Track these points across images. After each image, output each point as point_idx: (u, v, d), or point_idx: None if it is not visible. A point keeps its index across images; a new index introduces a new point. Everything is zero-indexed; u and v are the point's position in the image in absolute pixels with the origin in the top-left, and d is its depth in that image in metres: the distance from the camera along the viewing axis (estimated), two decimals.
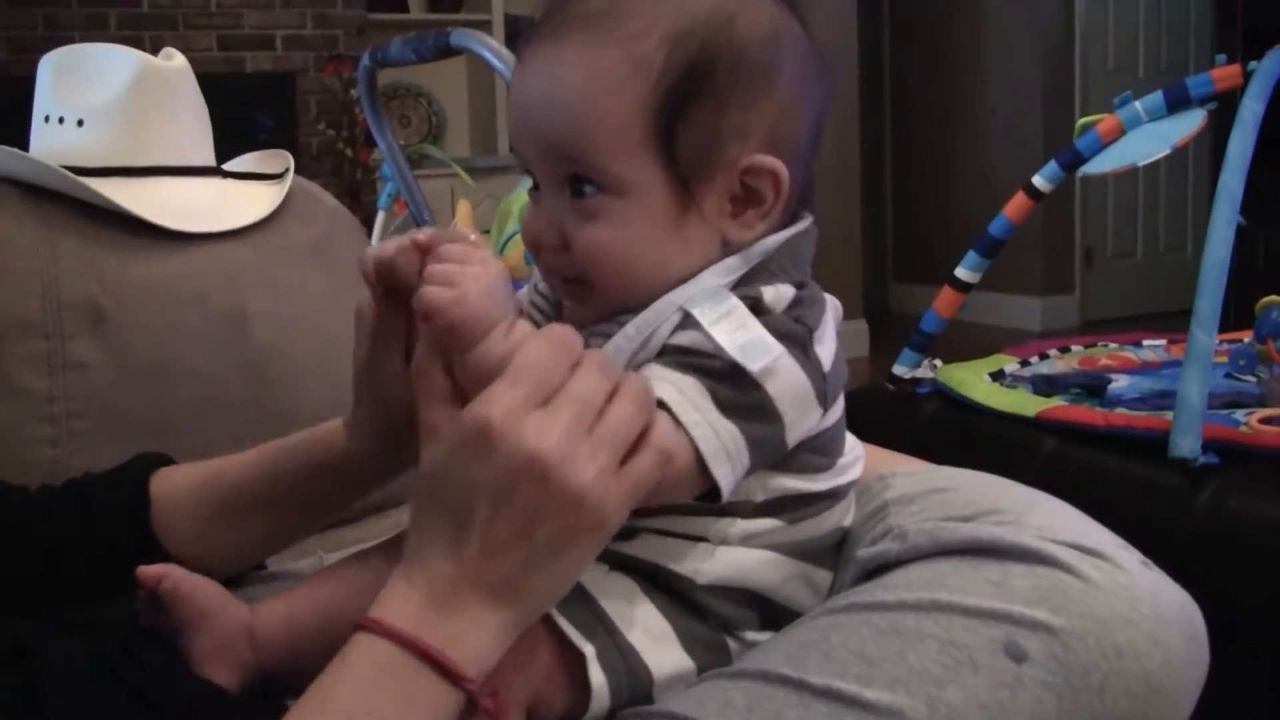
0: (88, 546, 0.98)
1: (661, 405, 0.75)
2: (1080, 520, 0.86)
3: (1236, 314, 2.42)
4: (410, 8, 6.32)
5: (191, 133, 1.53)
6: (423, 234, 0.81)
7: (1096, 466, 1.96)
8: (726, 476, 0.76)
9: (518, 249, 3.60)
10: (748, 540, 0.84)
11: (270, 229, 1.49)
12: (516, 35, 6.55)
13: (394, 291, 0.83)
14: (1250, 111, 1.97)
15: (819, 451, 0.85)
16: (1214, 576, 1.74)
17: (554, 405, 0.70)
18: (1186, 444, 1.78)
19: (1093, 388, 2.23)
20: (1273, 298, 2.11)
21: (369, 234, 3.92)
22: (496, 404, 0.69)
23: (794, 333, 0.79)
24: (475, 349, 0.73)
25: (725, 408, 0.76)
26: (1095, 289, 6.55)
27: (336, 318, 1.49)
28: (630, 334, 0.81)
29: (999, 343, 2.98)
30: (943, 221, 6.55)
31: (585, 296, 0.84)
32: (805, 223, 0.87)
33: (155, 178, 1.46)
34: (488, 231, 3.89)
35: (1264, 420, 1.98)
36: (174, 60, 1.53)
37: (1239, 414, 2.02)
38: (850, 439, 0.90)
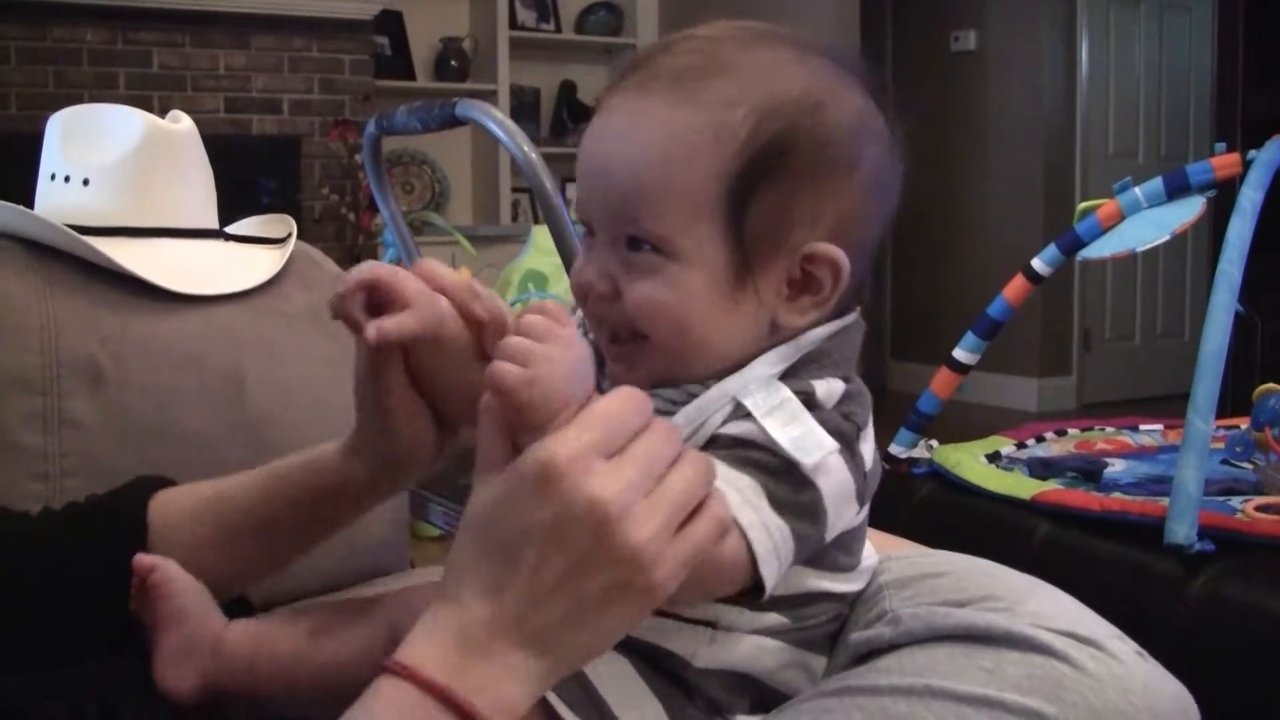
0: (86, 568, 0.97)
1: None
2: (1076, 608, 0.85)
3: (1233, 400, 2.42)
4: (417, 76, 6.37)
5: (196, 195, 1.53)
6: (363, 273, 0.81)
7: (1092, 551, 1.95)
8: (773, 576, 0.75)
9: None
10: (753, 629, 0.83)
11: (271, 294, 1.49)
12: (522, 105, 6.62)
13: (378, 310, 0.82)
14: (1249, 200, 1.99)
15: (846, 550, 0.85)
16: (1209, 666, 1.73)
17: (620, 459, 0.68)
18: (1183, 531, 1.78)
19: (1088, 472, 2.23)
20: (1270, 385, 2.12)
21: None
22: (563, 446, 0.67)
23: (844, 430, 0.79)
24: (540, 433, 0.70)
25: (779, 506, 0.75)
26: (1093, 371, 6.56)
27: (334, 385, 1.49)
28: (679, 422, 0.80)
29: (995, 423, 2.98)
30: (941, 300, 6.58)
31: (635, 357, 0.82)
32: (853, 316, 0.87)
33: (158, 239, 1.46)
34: None
35: (1260, 508, 1.97)
36: (181, 122, 1.53)
37: (1235, 501, 2.02)
38: (866, 545, 0.90)
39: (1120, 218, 2.24)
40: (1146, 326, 6.76)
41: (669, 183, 0.78)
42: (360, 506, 0.98)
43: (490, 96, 6.37)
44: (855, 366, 0.85)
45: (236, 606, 1.03)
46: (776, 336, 0.82)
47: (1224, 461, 2.23)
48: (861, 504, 0.82)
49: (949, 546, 1.28)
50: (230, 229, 1.59)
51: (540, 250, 4.17)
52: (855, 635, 0.86)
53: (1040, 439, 2.59)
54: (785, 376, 0.81)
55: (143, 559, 0.89)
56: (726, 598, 0.79)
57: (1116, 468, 2.26)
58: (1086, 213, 2.28)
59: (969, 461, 2.31)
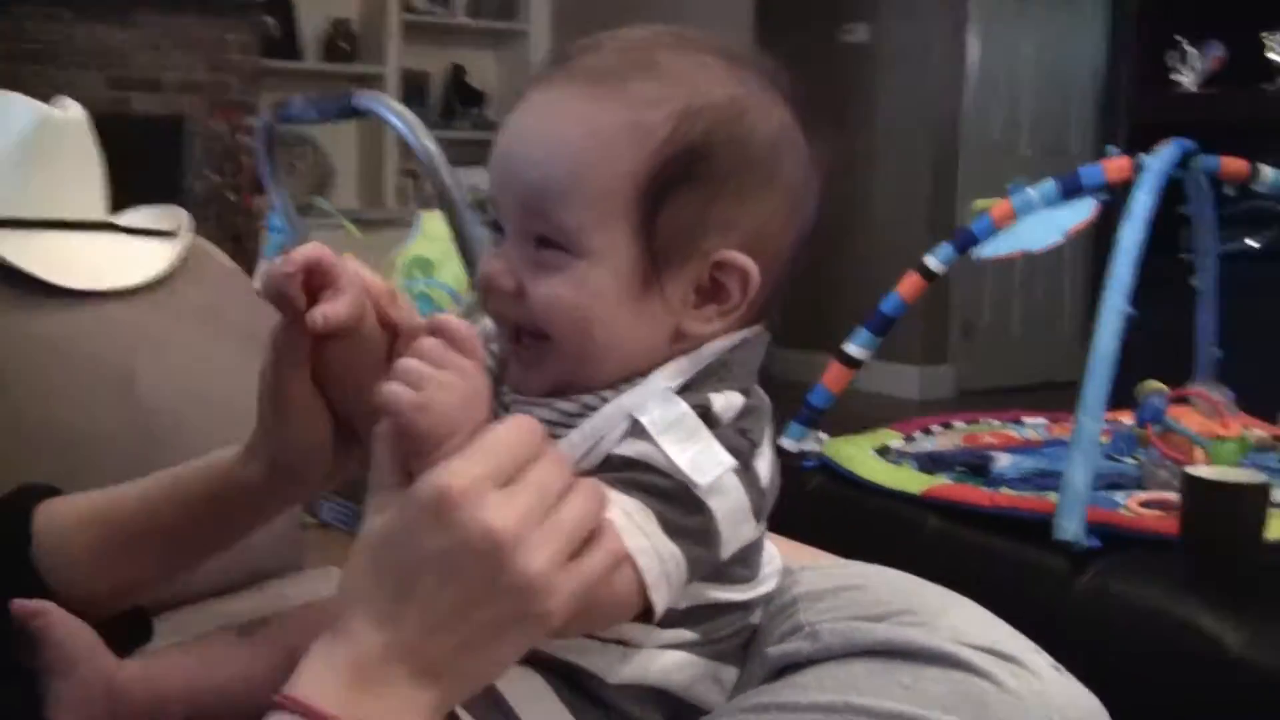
0: None
1: None
2: (993, 623, 0.86)
3: (1115, 394, 2.46)
4: (305, 57, 6.27)
5: (85, 186, 1.49)
6: (308, 252, 0.78)
7: (981, 546, 1.99)
8: (664, 601, 0.75)
9: None
10: (663, 644, 0.82)
11: (163, 289, 1.45)
12: (412, 89, 6.55)
13: (311, 295, 0.80)
14: (1141, 205, 2.03)
15: (744, 563, 0.84)
16: (1094, 660, 1.76)
17: (513, 488, 0.68)
18: (1071, 527, 1.81)
19: (976, 466, 2.27)
20: (1154, 383, 2.17)
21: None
22: (458, 475, 0.67)
23: (740, 448, 0.78)
24: (430, 458, 0.69)
25: (670, 530, 0.74)
26: (971, 360, 6.67)
27: (229, 384, 1.46)
28: (575, 440, 0.78)
29: (876, 410, 3.02)
30: (827, 288, 6.62)
31: (538, 357, 0.80)
32: (757, 328, 0.85)
33: (45, 231, 1.42)
34: None
35: (1144, 503, 2.02)
36: (70, 110, 1.49)
37: (1120, 496, 2.07)
38: (769, 548, 0.89)
39: (1014, 217, 2.28)
40: (1025, 317, 6.88)
41: (582, 177, 0.77)
42: (258, 513, 0.94)
43: (379, 80, 6.29)
44: (755, 378, 0.84)
45: (131, 615, 1.01)
46: (679, 345, 0.81)
47: (1108, 456, 2.28)
48: (759, 520, 0.82)
49: (840, 540, 1.29)
50: (120, 219, 1.55)
51: (428, 236, 4.11)
52: (772, 649, 0.86)
53: (927, 431, 2.63)
54: (684, 390, 0.79)
55: (22, 604, 0.85)
56: None
57: (1003, 462, 2.29)
58: (981, 211, 2.31)
59: (859, 455, 2.34)
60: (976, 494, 2.04)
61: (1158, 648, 1.68)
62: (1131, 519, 1.91)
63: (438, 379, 0.70)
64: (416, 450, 0.70)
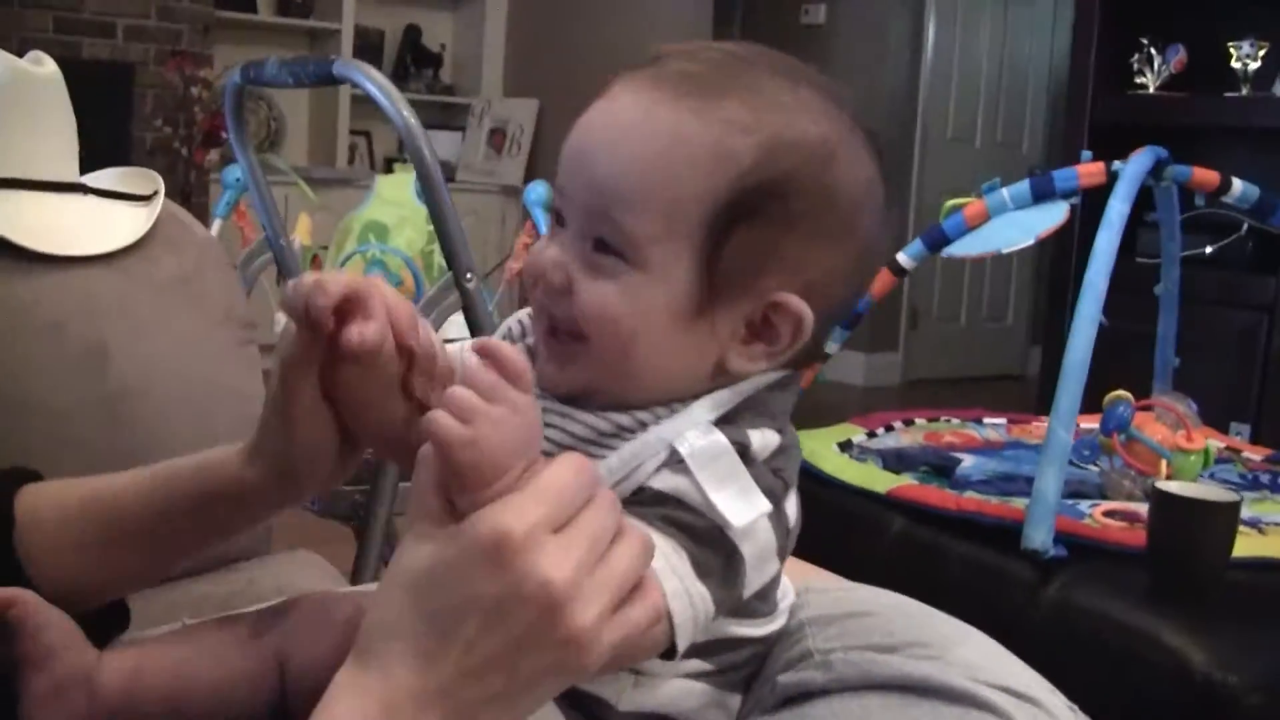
0: None
1: None
2: (1006, 659, 0.84)
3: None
4: (259, 9, 6.16)
5: (57, 145, 1.43)
6: (344, 283, 0.74)
7: (946, 550, 1.98)
8: (688, 641, 0.73)
9: (356, 269, 3.51)
10: (674, 674, 0.80)
11: (136, 257, 1.40)
12: (366, 46, 6.46)
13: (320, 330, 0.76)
14: (1116, 212, 2.03)
15: (764, 598, 0.83)
16: (1059, 669, 1.76)
17: (569, 535, 0.64)
18: (1039, 537, 1.81)
19: (941, 467, 2.26)
20: (1120, 393, 2.17)
21: None
22: (518, 519, 0.63)
23: (774, 489, 0.75)
24: (478, 496, 0.65)
25: (701, 571, 0.72)
26: (919, 349, 6.70)
27: (202, 357, 1.42)
28: (613, 465, 0.75)
29: (822, 395, 3.01)
30: None
31: (571, 357, 0.77)
32: (791, 374, 0.82)
33: (15, 191, 1.37)
34: (325, 247, 3.79)
35: (1108, 513, 2.02)
36: (44, 65, 1.43)
37: (1083, 505, 2.07)
38: (784, 581, 0.87)
39: (986, 217, 2.27)
40: (972, 308, 6.93)
41: (656, 188, 0.74)
42: (252, 515, 0.90)
43: (334, 36, 6.21)
44: (789, 419, 0.82)
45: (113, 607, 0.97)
46: (718, 380, 0.78)
47: (1071, 462, 2.28)
48: (782, 560, 0.80)
49: (804, 537, 1.27)
50: (89, 179, 1.50)
51: (383, 200, 4.06)
52: (783, 677, 0.84)
53: (889, 428, 2.63)
54: (721, 423, 0.77)
55: None
56: None
57: (966, 464, 2.29)
58: (953, 210, 2.30)
59: (823, 451, 2.32)
60: (942, 496, 2.03)
61: (1123, 661, 1.68)
62: (1097, 530, 1.91)
63: (490, 415, 0.65)
64: (462, 487, 0.65)
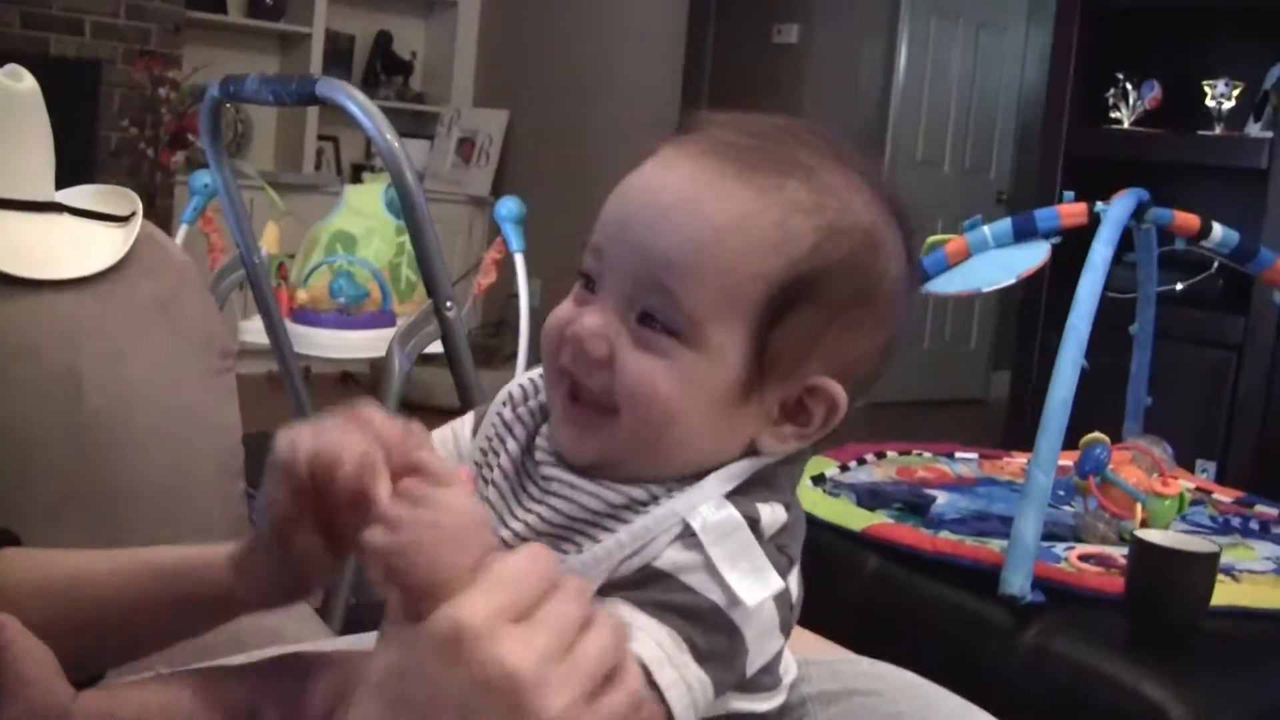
0: None
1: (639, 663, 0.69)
2: None
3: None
4: (229, 10, 6.10)
5: (34, 164, 1.39)
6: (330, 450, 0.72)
7: (921, 591, 1.97)
8: None
9: (322, 280, 3.47)
10: None
11: (112, 280, 1.37)
12: (336, 52, 6.40)
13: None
14: (1100, 256, 2.02)
15: (768, 672, 0.80)
16: (1037, 715, 1.75)
17: (530, 624, 0.63)
18: (1017, 582, 1.80)
19: (915, 505, 2.25)
20: (1096, 435, 2.16)
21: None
22: (473, 611, 0.62)
23: (779, 566, 0.74)
24: (429, 601, 0.64)
25: (701, 656, 0.70)
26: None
27: (179, 385, 1.39)
28: (624, 540, 0.73)
29: None
30: None
31: (595, 429, 0.75)
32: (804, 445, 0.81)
33: None
34: (292, 256, 3.74)
35: (1083, 557, 2.01)
36: (23, 81, 1.40)
37: (1058, 547, 2.06)
38: (786, 654, 0.85)
39: (967, 255, 2.26)
40: (935, 333, 6.94)
41: (719, 264, 0.72)
42: (228, 615, 0.89)
43: (305, 40, 6.16)
44: (795, 494, 0.80)
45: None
46: (745, 455, 0.77)
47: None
48: (785, 635, 0.78)
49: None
50: (66, 198, 1.46)
51: (351, 210, 4.02)
52: None
53: (862, 461, 2.61)
54: (732, 495, 0.75)
55: None
56: None
57: (940, 502, 2.28)
58: (934, 246, 2.29)
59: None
60: (918, 537, 2.02)
61: (1100, 712, 1.66)
62: (1074, 575, 1.90)
63: (414, 519, 0.65)
64: (407, 595, 0.65)
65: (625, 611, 0.70)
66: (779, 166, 0.74)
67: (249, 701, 0.85)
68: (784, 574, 0.74)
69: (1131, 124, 4.03)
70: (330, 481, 0.71)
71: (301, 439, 0.72)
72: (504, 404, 0.83)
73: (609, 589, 0.72)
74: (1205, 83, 3.86)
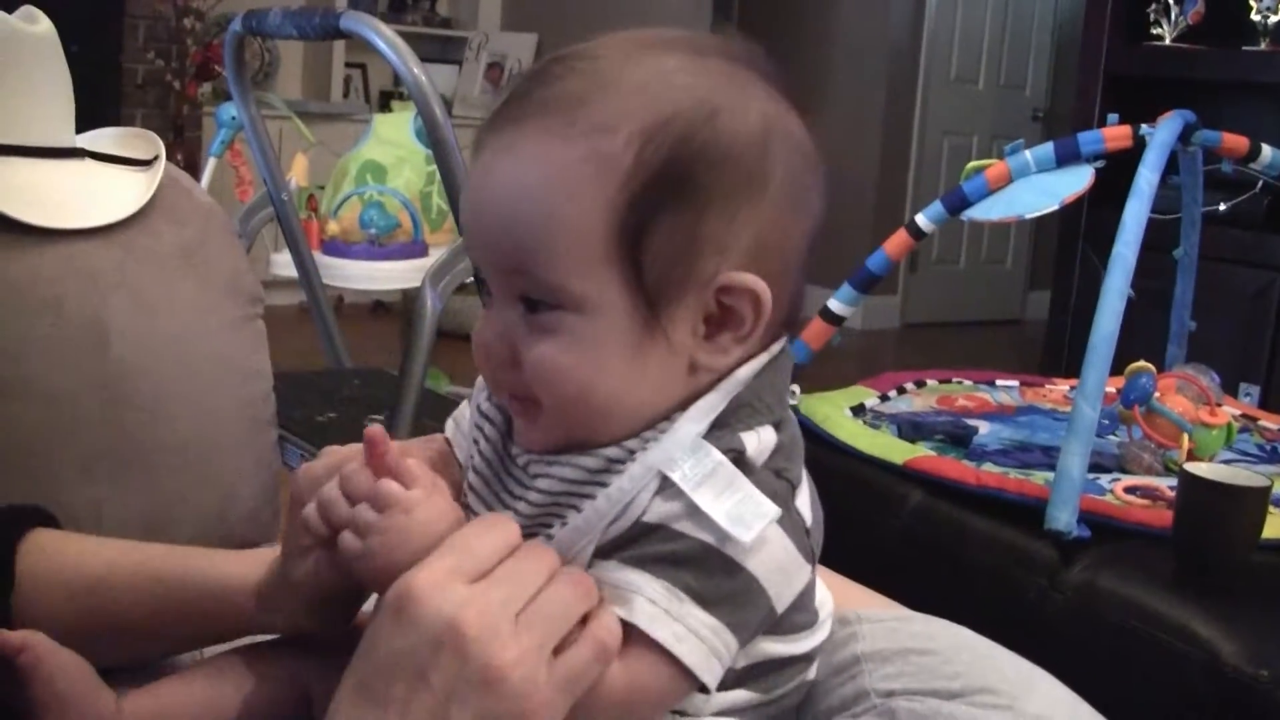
0: None
1: (631, 628, 0.68)
2: (1077, 707, 0.79)
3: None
4: None
5: (53, 108, 1.36)
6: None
7: (965, 526, 1.94)
8: (716, 675, 0.69)
9: (353, 211, 3.44)
10: (722, 713, 0.75)
11: (136, 228, 1.33)
12: None
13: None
14: (1146, 181, 1.97)
15: (802, 609, 0.77)
16: (1082, 653, 1.73)
17: (486, 581, 0.65)
18: (1063, 518, 1.77)
19: (958, 437, 2.21)
20: (1142, 364, 2.12)
21: (196, 179, 3.69)
22: (419, 571, 0.65)
23: (779, 492, 0.71)
24: None
25: (706, 602, 0.68)
26: (917, 293, 6.65)
27: (206, 333, 1.36)
28: (602, 506, 0.70)
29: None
30: None
31: (537, 422, 0.73)
32: (780, 344, 0.77)
33: (9, 158, 1.30)
34: (322, 187, 3.71)
35: (1128, 489, 1.98)
36: (38, 24, 1.36)
37: (1103, 479, 2.03)
38: (820, 588, 0.81)
39: (1008, 180, 2.20)
40: (972, 252, 6.86)
41: (551, 226, 0.68)
42: (254, 632, 0.89)
43: None
44: (785, 404, 0.76)
45: None
46: (698, 379, 0.73)
47: None
48: (812, 562, 0.75)
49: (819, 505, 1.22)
50: (87, 142, 1.42)
51: (380, 140, 3.99)
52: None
53: (901, 390, 2.57)
54: (713, 429, 0.72)
55: (6, 636, 0.77)
56: None
57: (983, 432, 2.24)
58: (975, 172, 2.24)
59: (836, 416, 2.27)
60: (962, 470, 1.98)
61: (1148, 650, 1.64)
62: (1121, 509, 1.86)
63: (379, 524, 0.69)
64: (379, 592, 0.68)
65: (618, 572, 0.69)
66: (576, 99, 0.70)
67: (298, 676, 0.84)
68: (784, 499, 0.71)
69: (1173, 40, 3.94)
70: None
71: (306, 468, 0.78)
72: (482, 393, 0.81)
73: (603, 554, 0.71)
74: None
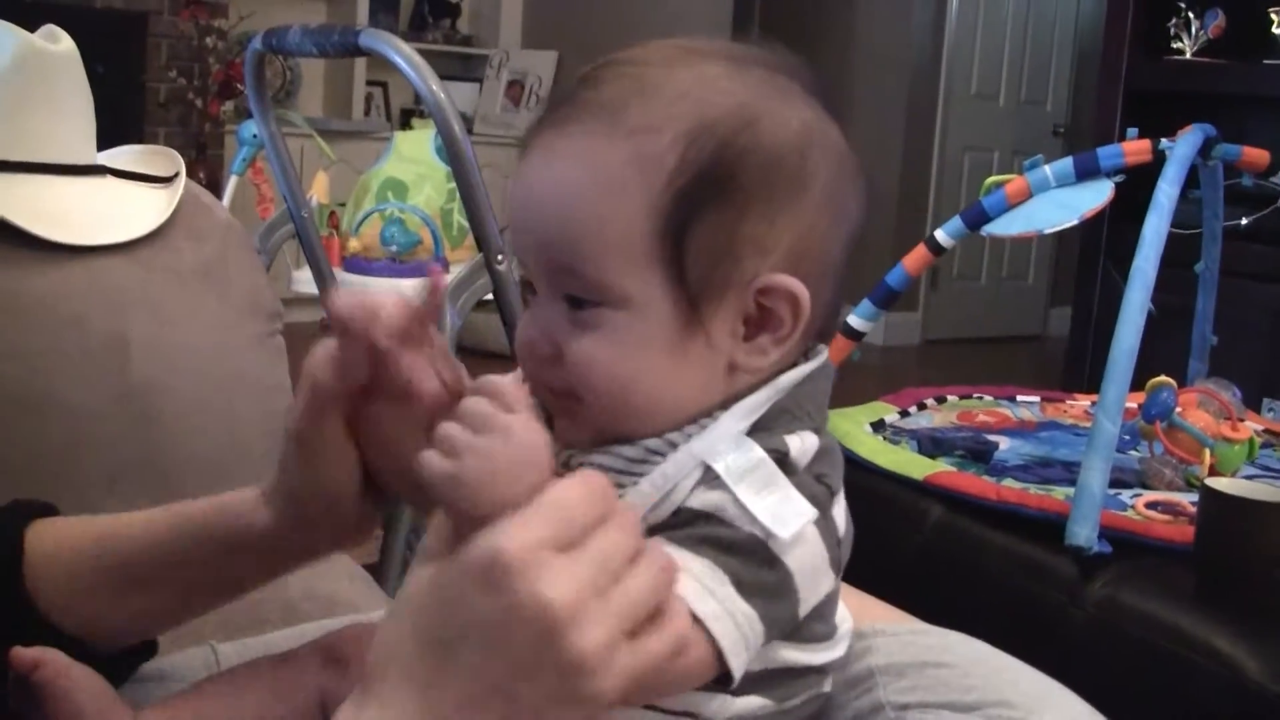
0: None
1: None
2: None
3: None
4: None
5: (74, 126, 1.38)
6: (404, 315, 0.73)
7: (985, 542, 1.93)
8: (742, 665, 0.69)
9: (374, 228, 3.46)
10: (732, 716, 0.75)
11: (157, 244, 1.35)
12: (380, 8, 6.35)
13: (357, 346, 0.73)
14: (1165, 195, 1.96)
15: (821, 618, 0.77)
16: (1103, 669, 1.72)
17: (574, 555, 0.61)
18: (1084, 533, 1.76)
19: (978, 452, 2.21)
20: (1163, 379, 2.11)
21: (219, 197, 3.71)
22: (514, 538, 0.61)
23: (818, 496, 0.71)
24: (479, 524, 0.62)
25: (745, 589, 0.68)
26: (939, 309, 6.63)
27: (227, 349, 1.37)
28: (645, 490, 0.71)
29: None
30: None
31: (578, 417, 0.74)
32: (822, 357, 0.78)
33: (32, 175, 1.31)
34: (343, 204, 3.73)
35: (1150, 505, 1.97)
36: (60, 43, 1.37)
37: (1125, 495, 2.02)
38: (840, 605, 0.82)
39: (1028, 195, 2.20)
40: (993, 267, 6.85)
41: (597, 225, 0.70)
42: (270, 565, 0.85)
43: None
44: (826, 416, 0.77)
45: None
46: (736, 381, 0.74)
47: None
48: (837, 573, 0.75)
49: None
50: (108, 160, 1.44)
51: (401, 157, 4.00)
52: None
53: (922, 406, 2.57)
54: (755, 430, 0.72)
55: (21, 653, 0.77)
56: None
57: (1003, 448, 2.24)
58: (994, 187, 2.24)
59: (856, 432, 2.27)
60: (982, 485, 1.98)
61: (1171, 667, 1.63)
62: (1141, 524, 1.85)
63: (475, 447, 0.63)
64: (459, 522, 0.64)
65: (666, 548, 0.68)
66: (621, 101, 0.71)
67: (315, 686, 0.84)
68: (823, 504, 0.71)
69: (1194, 54, 3.93)
70: (369, 335, 0.72)
71: (340, 297, 0.73)
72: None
73: (647, 534, 0.70)
74: (1271, 10, 3.75)
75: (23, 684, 0.77)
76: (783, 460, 0.70)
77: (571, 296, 0.71)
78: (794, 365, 0.75)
